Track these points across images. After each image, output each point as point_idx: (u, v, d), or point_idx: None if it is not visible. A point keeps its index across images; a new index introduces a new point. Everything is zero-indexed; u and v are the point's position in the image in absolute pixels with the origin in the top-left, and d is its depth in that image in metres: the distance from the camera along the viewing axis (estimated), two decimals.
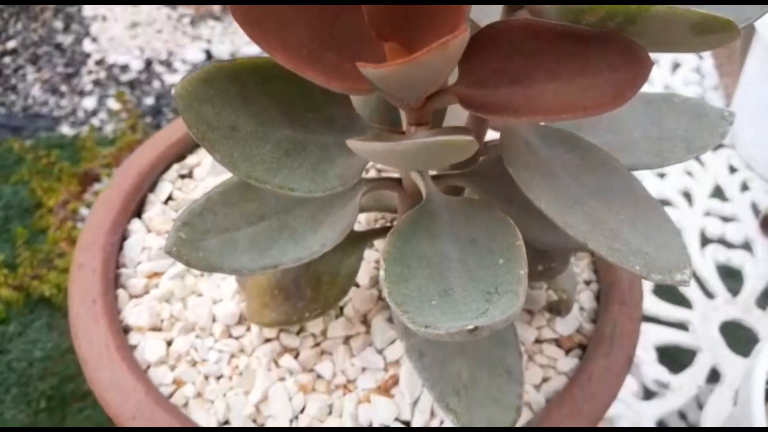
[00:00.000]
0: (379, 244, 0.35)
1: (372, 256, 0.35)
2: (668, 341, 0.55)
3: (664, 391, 0.53)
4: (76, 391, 0.76)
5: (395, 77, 0.16)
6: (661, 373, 0.54)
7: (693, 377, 0.54)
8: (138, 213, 0.36)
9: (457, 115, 0.27)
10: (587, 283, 0.35)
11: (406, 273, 0.21)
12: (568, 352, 0.33)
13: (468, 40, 0.16)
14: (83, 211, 0.80)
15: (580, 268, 0.36)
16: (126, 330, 0.32)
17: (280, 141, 0.21)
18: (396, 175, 0.27)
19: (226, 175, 0.25)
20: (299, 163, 0.21)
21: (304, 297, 0.29)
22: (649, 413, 0.51)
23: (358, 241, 0.30)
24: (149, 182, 0.36)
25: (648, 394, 0.53)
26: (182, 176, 0.38)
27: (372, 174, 0.37)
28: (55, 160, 0.88)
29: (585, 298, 0.34)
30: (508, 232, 0.21)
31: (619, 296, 0.33)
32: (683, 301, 0.58)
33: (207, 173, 0.37)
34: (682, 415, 0.58)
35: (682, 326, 0.56)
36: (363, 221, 0.36)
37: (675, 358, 0.56)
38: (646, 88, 0.21)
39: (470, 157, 0.28)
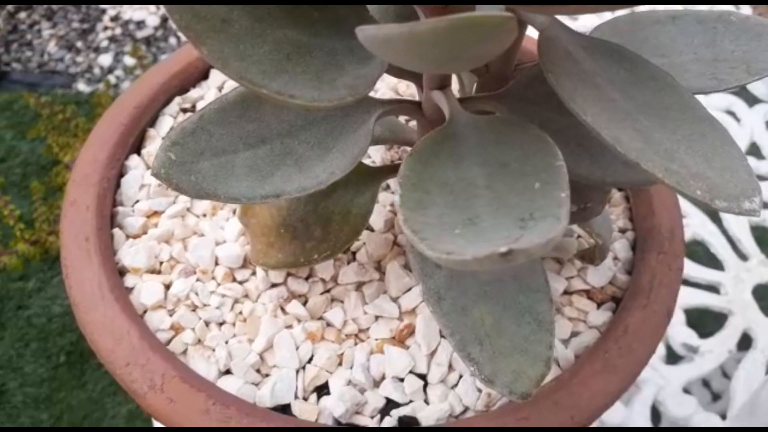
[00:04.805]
0: (394, 184, 0.32)
1: (387, 199, 0.32)
2: (698, 303, 0.52)
3: (692, 356, 0.50)
4: None
5: None
6: (690, 336, 0.51)
7: (723, 342, 0.51)
8: (137, 149, 0.34)
9: None
10: (622, 231, 0.32)
11: (426, 200, 0.18)
12: (600, 305, 0.30)
13: None
14: None
15: (614, 215, 0.33)
16: (122, 272, 0.30)
17: (281, 42, 0.18)
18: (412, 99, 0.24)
19: None
20: (303, 68, 0.18)
21: (313, 237, 0.27)
22: (677, 378, 0.49)
23: (371, 177, 0.27)
24: (149, 116, 0.34)
25: (675, 358, 0.51)
26: (184, 110, 0.35)
27: None
28: (71, 116, 0.87)
29: (620, 247, 0.31)
30: (545, 151, 0.18)
31: (658, 245, 0.30)
32: (715, 263, 0.55)
33: None
34: (705, 382, 0.56)
35: (713, 288, 0.53)
36: (378, 160, 0.33)
37: (704, 322, 0.53)
38: None
39: (499, 80, 0.25)
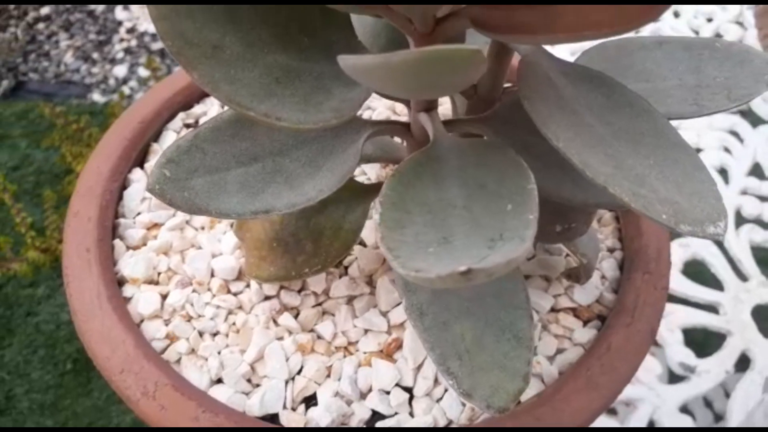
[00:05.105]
0: None
1: None
2: (696, 323, 0.52)
3: (689, 375, 0.50)
4: None
5: None
6: (688, 356, 0.51)
7: (721, 362, 0.51)
8: (141, 163, 0.35)
9: None
10: (611, 250, 0.33)
11: (405, 219, 0.19)
12: (586, 322, 0.30)
13: None
14: None
15: (604, 234, 0.33)
16: (121, 282, 0.31)
17: (271, 66, 0.19)
18: (404, 119, 0.25)
19: None
20: (291, 92, 0.19)
21: (304, 251, 0.27)
22: (673, 397, 0.49)
23: (363, 194, 0.28)
24: (153, 131, 0.35)
25: (673, 378, 0.51)
26: (187, 126, 0.36)
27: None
28: (85, 126, 0.88)
29: (608, 266, 0.32)
30: (519, 174, 0.18)
31: (644, 265, 0.31)
32: (714, 283, 0.55)
33: None
34: (708, 403, 0.56)
35: (711, 308, 0.54)
36: (374, 177, 0.34)
37: (702, 342, 0.54)
38: None
39: (487, 102, 0.26)
